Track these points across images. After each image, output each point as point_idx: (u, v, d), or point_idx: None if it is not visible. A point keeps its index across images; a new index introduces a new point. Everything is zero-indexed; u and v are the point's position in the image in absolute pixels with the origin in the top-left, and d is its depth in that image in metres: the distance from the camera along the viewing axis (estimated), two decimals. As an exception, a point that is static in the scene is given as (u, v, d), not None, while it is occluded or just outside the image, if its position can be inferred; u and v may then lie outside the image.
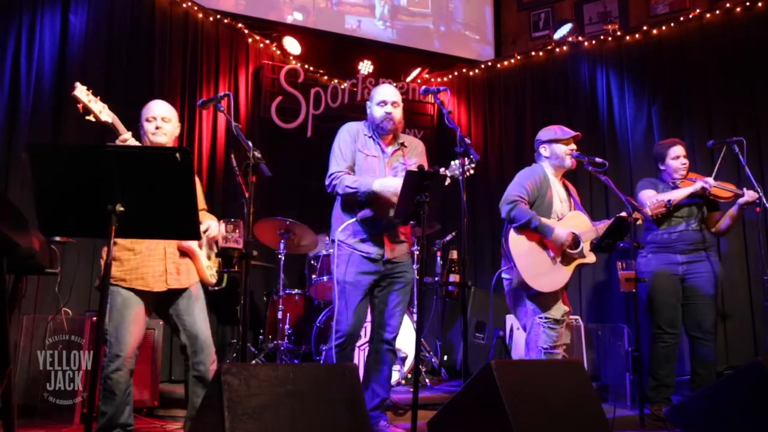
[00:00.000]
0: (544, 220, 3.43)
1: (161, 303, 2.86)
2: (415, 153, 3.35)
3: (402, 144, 3.32)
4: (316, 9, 6.10)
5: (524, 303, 3.50)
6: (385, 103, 3.25)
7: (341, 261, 3.16)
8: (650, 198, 3.80)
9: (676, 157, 3.98)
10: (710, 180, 3.87)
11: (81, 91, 2.59)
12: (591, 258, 3.53)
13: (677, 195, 3.88)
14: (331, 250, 4.83)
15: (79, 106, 2.60)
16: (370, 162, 3.22)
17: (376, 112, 3.27)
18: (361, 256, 3.15)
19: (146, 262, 2.78)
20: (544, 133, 3.67)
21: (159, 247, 2.82)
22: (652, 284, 3.92)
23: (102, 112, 2.65)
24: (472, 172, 3.08)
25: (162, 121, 2.91)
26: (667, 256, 3.95)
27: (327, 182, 3.22)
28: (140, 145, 2.80)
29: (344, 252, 3.17)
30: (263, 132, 5.86)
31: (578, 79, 5.90)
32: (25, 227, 2.07)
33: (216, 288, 3.10)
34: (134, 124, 2.90)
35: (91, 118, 2.63)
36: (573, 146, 3.60)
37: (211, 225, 2.96)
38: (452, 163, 3.04)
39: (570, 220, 3.53)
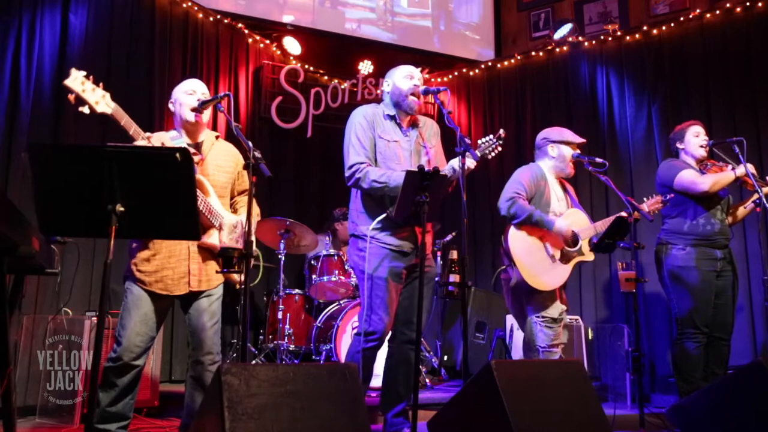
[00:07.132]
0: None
1: (183, 302, 2.79)
2: (432, 134, 3.27)
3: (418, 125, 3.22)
4: (316, 9, 6.10)
5: (522, 302, 3.51)
6: (412, 76, 3.11)
7: (372, 256, 2.96)
8: (694, 178, 3.69)
9: (697, 134, 3.88)
10: (749, 166, 3.70)
11: (74, 80, 2.30)
12: (590, 256, 3.54)
13: (723, 178, 3.71)
14: (329, 250, 4.92)
15: (71, 96, 2.31)
16: (393, 148, 3.07)
17: (403, 84, 3.09)
18: (392, 251, 3.00)
19: (168, 264, 2.70)
20: (556, 133, 3.65)
21: (182, 247, 2.72)
22: (694, 280, 3.72)
23: (99, 102, 2.35)
24: (500, 149, 3.16)
25: (203, 96, 2.80)
26: (706, 250, 3.76)
27: (348, 174, 3.02)
28: (143, 145, 2.75)
29: (375, 247, 2.98)
30: (263, 132, 5.86)
31: (578, 79, 5.90)
32: (25, 227, 2.06)
33: (239, 287, 2.86)
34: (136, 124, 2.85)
35: (84, 109, 2.33)
36: (577, 151, 3.61)
37: (240, 220, 2.82)
38: (480, 141, 3.07)
39: (568, 218, 3.54)
